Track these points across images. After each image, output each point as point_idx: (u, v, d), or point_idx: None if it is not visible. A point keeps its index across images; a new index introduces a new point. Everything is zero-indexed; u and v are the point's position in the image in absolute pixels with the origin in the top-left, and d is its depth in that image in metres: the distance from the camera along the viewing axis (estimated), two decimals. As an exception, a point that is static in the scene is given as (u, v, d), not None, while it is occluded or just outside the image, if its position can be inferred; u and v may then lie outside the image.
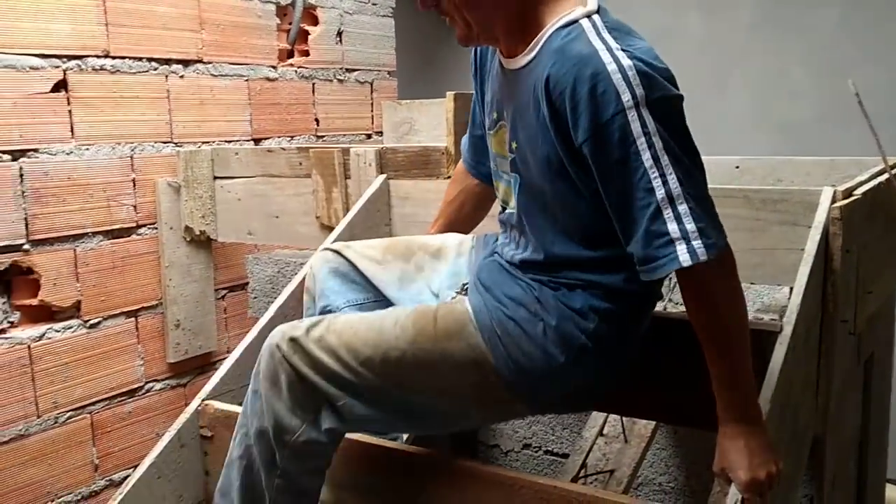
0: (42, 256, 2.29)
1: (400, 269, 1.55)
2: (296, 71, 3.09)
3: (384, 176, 2.21)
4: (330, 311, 1.52)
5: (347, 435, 1.42)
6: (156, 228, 2.59)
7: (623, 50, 1.13)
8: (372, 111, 3.43)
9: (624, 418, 1.85)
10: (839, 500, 1.83)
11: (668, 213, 1.11)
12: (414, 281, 1.54)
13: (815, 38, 3.66)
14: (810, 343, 1.47)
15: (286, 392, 1.30)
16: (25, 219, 2.24)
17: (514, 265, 1.35)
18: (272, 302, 1.88)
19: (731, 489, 1.18)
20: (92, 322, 2.42)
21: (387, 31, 3.49)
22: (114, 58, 2.44)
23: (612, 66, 1.11)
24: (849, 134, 2.72)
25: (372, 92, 3.44)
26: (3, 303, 2.24)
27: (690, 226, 1.11)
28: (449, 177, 1.99)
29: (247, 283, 2.67)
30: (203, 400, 1.70)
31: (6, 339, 2.22)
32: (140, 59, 2.51)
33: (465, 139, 1.61)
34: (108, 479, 2.47)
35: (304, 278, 1.94)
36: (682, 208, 1.11)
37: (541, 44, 1.22)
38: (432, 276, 1.53)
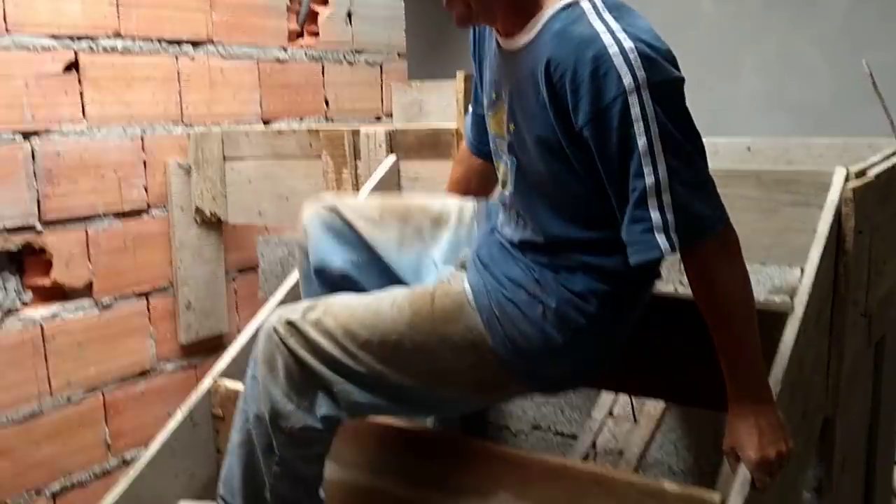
0: (54, 237, 2.30)
1: (398, 231, 1.52)
2: (305, 52, 3.09)
3: (394, 157, 2.21)
4: (325, 270, 1.50)
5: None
6: (166, 210, 2.59)
7: (624, 31, 1.12)
8: (382, 93, 3.42)
9: (633, 399, 1.86)
10: (848, 483, 1.83)
11: (652, 202, 1.12)
12: (412, 245, 1.52)
13: (828, 18, 3.62)
14: (821, 324, 1.46)
15: (283, 376, 1.29)
16: (38, 199, 2.25)
17: (513, 245, 1.34)
18: (283, 283, 1.89)
19: (741, 468, 1.18)
20: (104, 303, 2.44)
21: (397, 13, 3.47)
22: (125, 38, 2.44)
23: (613, 49, 1.11)
24: (863, 115, 2.70)
25: (382, 73, 3.43)
26: (16, 283, 2.26)
27: (671, 216, 1.11)
28: (459, 157, 1.98)
29: (257, 265, 2.67)
30: (214, 379, 1.71)
31: (19, 318, 2.24)
32: (150, 39, 2.51)
33: (467, 118, 1.59)
34: (120, 457, 2.49)
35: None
36: (667, 198, 1.11)
37: (540, 25, 1.20)
38: (432, 244, 1.52)
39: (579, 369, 1.38)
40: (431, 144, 2.17)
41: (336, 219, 1.52)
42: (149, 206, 2.55)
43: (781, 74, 3.75)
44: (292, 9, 3.05)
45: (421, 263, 1.51)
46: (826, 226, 1.43)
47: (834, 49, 3.60)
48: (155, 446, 1.66)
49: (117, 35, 2.42)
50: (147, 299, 2.57)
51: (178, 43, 2.60)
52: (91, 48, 2.35)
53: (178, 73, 2.60)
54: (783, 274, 2.03)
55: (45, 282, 2.30)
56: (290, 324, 1.29)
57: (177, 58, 2.60)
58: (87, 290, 2.39)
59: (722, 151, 2.34)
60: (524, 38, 1.23)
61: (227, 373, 1.71)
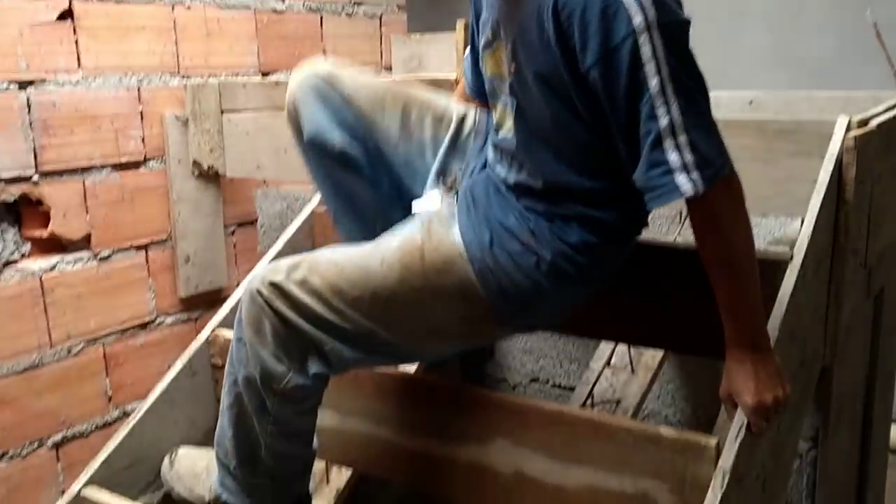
0: (51, 188, 2.29)
1: (399, 119, 1.46)
2: (304, 3, 3.04)
3: (393, 108, 2.19)
4: (324, 145, 1.44)
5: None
6: (164, 162, 2.58)
7: None
8: (381, 46, 3.38)
9: (632, 349, 1.86)
10: (844, 434, 1.85)
11: (668, 143, 1.09)
12: (411, 139, 1.46)
13: (834, -30, 3.56)
14: (820, 273, 1.46)
15: (271, 339, 1.27)
16: (34, 150, 2.24)
17: (508, 187, 1.32)
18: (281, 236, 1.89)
19: (737, 413, 1.19)
20: (102, 255, 2.43)
21: (396, -36, 3.43)
22: (119, -14, 2.41)
23: None
24: (867, 70, 2.67)
25: (381, 26, 3.38)
26: (14, 234, 2.25)
27: (690, 156, 1.09)
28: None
29: (256, 219, 2.67)
30: (213, 329, 1.72)
31: (18, 270, 2.24)
32: (146, -13, 2.48)
33: (465, 58, 1.56)
34: (121, 409, 2.51)
35: (311, 213, 1.94)
36: (683, 138, 1.09)
37: None
38: (430, 144, 1.47)
39: (560, 312, 1.39)
40: (431, 95, 2.14)
41: (332, 92, 1.43)
42: (146, 158, 2.54)
43: (785, 28, 3.70)
44: (290, -41, 3.00)
45: (415, 161, 1.47)
46: (827, 174, 1.42)
47: (839, 1, 3.55)
48: (154, 395, 1.67)
49: (112, -17, 2.38)
50: (146, 252, 2.57)
51: (174, -9, 2.56)
52: (85, -4, 2.32)
53: (174, 23, 2.57)
54: (783, 227, 2.02)
55: (43, 233, 2.29)
56: (275, 285, 1.26)
57: (173, 7, 2.56)
58: (85, 243, 2.39)
59: (724, 105, 2.31)
60: None
61: (225, 323, 1.71)
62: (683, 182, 1.10)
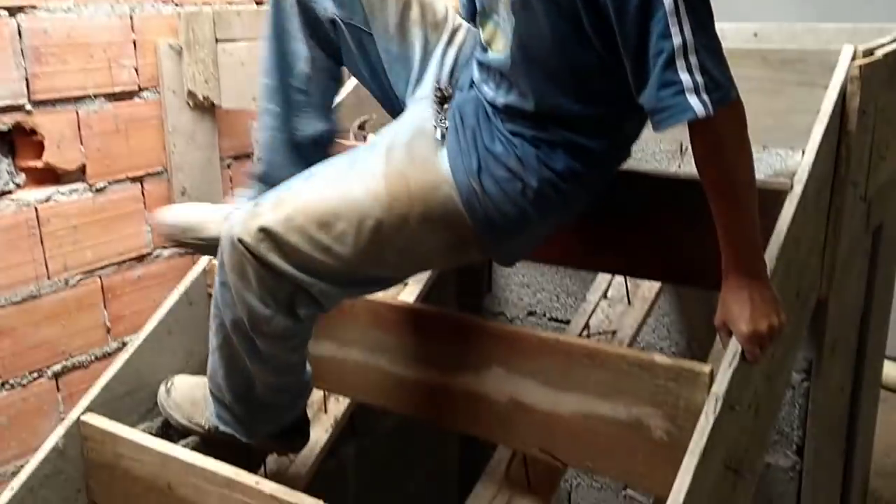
0: (45, 117, 2.25)
1: (398, 16, 1.42)
2: (300, -70, 2.96)
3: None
4: (313, 7, 1.40)
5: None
6: (158, 93, 2.54)
7: None
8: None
9: (628, 281, 1.87)
10: (838, 367, 1.86)
11: (681, 63, 1.07)
12: (406, 37, 1.42)
13: None
14: (820, 204, 1.45)
15: (255, 284, 1.25)
16: (26, 78, 2.20)
17: (495, 109, 1.29)
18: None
19: (732, 341, 1.19)
20: (98, 186, 2.41)
21: None
22: None
23: None
24: (874, 3, 2.62)
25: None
26: (9, 164, 2.23)
27: (700, 78, 1.08)
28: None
29: (252, 152, 2.64)
30: (211, 259, 1.72)
31: (13, 199, 2.22)
32: (136, -90, 2.41)
33: None
34: (120, 341, 2.52)
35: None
36: (694, 60, 1.07)
37: None
38: (422, 50, 1.43)
39: (538, 241, 1.39)
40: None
41: None
42: (140, 88, 2.49)
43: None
44: None
45: (406, 62, 1.43)
46: (830, 103, 1.41)
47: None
48: (152, 324, 1.68)
49: None
50: (141, 184, 2.54)
51: (166, -86, 2.49)
52: (74, -81, 2.26)
53: (167, -52, 2.50)
54: (784, 161, 2.01)
55: (37, 164, 2.27)
56: (258, 229, 1.23)
57: (165, -69, 2.49)
58: (80, 174, 2.37)
59: (728, 37, 2.27)
60: None
61: (222, 252, 1.71)
62: (695, 103, 1.08)
